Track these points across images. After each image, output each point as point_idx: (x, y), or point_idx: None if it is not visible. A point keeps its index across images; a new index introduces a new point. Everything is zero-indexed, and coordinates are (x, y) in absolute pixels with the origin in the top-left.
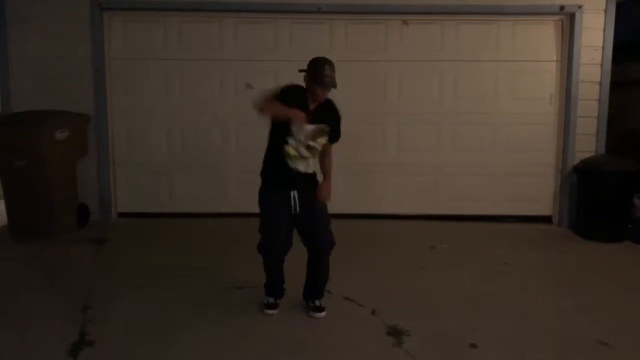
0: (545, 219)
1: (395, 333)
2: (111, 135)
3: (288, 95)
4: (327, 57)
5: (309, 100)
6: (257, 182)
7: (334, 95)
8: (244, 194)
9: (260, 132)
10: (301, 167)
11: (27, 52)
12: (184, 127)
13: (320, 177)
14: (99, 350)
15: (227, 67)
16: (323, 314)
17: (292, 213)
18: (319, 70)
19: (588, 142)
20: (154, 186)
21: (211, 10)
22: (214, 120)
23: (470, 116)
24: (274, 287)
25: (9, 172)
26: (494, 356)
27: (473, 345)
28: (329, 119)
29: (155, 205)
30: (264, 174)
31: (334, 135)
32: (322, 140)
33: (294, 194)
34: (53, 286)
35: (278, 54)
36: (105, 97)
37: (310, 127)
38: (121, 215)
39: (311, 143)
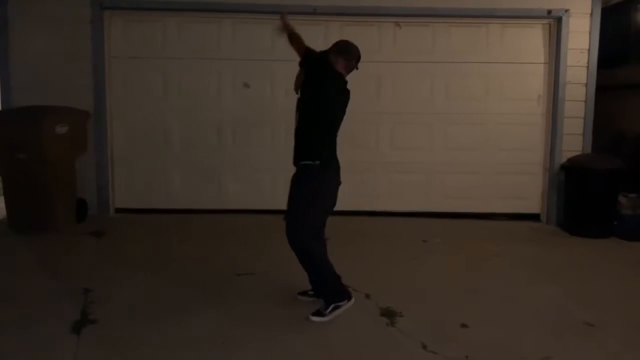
0: (534, 217)
1: (389, 314)
2: (110, 132)
3: None
4: None
5: None
6: (253, 179)
7: None
8: (239, 190)
9: (256, 130)
10: None
11: (28, 49)
12: (182, 124)
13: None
14: (100, 328)
15: (225, 67)
16: (314, 318)
17: None
18: None
19: (575, 141)
20: (151, 182)
21: (210, 10)
22: (212, 119)
23: (462, 116)
24: None
25: (9, 165)
26: (485, 334)
27: (464, 325)
28: None
29: (153, 202)
30: None
31: None
32: None
33: None
34: (54, 272)
35: (275, 53)
36: (105, 94)
37: None
38: (119, 210)
39: None
